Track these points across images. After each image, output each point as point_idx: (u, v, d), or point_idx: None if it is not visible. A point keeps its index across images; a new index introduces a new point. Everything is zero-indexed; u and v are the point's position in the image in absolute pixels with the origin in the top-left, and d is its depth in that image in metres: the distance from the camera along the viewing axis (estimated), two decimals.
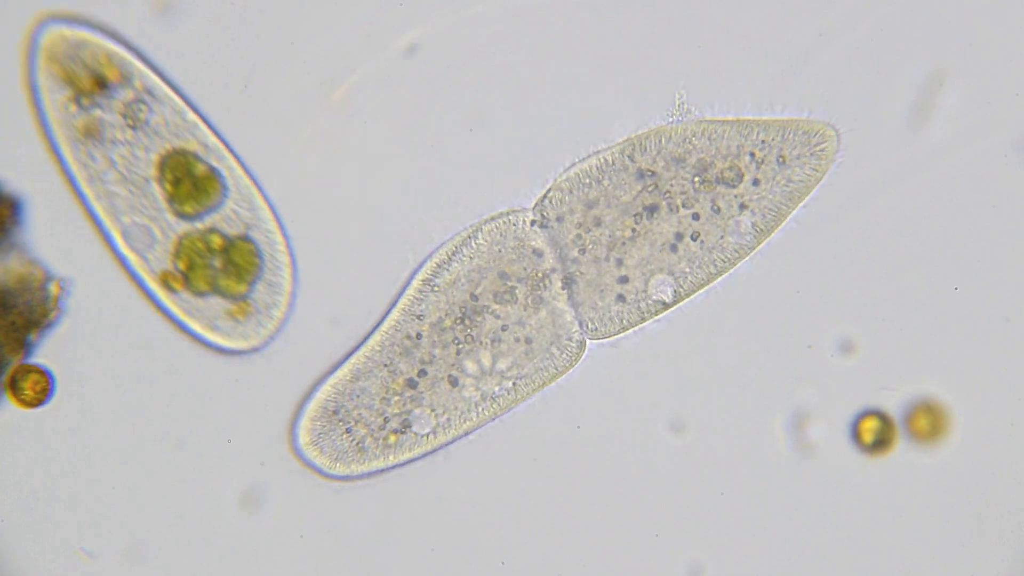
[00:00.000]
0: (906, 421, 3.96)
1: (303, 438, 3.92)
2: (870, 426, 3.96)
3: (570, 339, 3.89)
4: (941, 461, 3.98)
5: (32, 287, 3.87)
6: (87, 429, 3.96)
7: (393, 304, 3.91)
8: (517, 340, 3.87)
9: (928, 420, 3.96)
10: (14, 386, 3.88)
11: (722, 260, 3.87)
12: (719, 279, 3.89)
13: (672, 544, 3.98)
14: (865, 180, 3.93)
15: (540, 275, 3.82)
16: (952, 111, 3.90)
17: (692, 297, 3.90)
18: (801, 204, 3.88)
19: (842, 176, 3.94)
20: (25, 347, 3.88)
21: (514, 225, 3.88)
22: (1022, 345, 3.97)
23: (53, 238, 3.92)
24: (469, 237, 3.88)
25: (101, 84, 3.78)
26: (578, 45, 3.93)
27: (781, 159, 3.84)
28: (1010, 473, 3.96)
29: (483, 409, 3.90)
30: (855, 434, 3.96)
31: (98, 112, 3.85)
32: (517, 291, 3.84)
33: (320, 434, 3.92)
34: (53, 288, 3.89)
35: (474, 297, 3.85)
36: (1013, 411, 3.96)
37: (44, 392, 3.88)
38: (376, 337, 3.90)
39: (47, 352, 3.93)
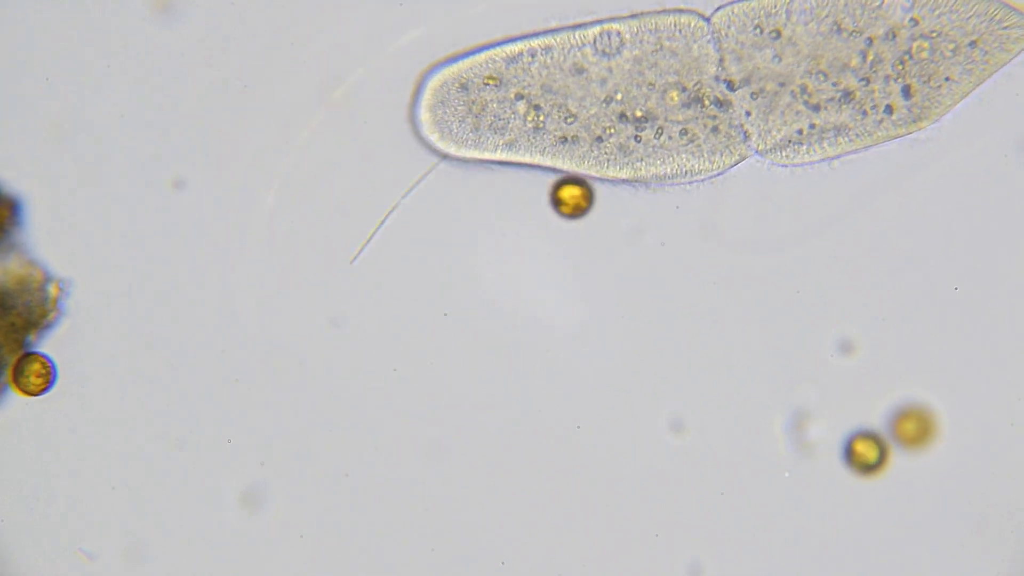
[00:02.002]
0: (893, 426, 3.95)
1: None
2: (863, 449, 3.96)
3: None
4: (941, 462, 3.97)
5: (31, 288, 3.88)
6: (87, 428, 3.96)
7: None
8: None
9: (916, 425, 3.95)
10: (18, 376, 3.89)
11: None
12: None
13: (672, 544, 3.98)
14: (865, 180, 3.92)
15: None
16: None
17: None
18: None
19: (842, 178, 3.93)
20: (24, 348, 3.89)
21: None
22: (1022, 346, 3.97)
23: (52, 238, 3.94)
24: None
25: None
26: None
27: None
28: (1009, 473, 3.96)
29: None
30: (850, 455, 3.96)
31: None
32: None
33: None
34: (52, 289, 3.90)
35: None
36: (1013, 410, 3.96)
37: (48, 377, 3.90)
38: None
39: (46, 352, 3.95)
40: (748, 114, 3.85)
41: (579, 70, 3.87)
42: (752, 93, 3.85)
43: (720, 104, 3.86)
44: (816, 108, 3.86)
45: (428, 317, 3.97)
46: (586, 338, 3.98)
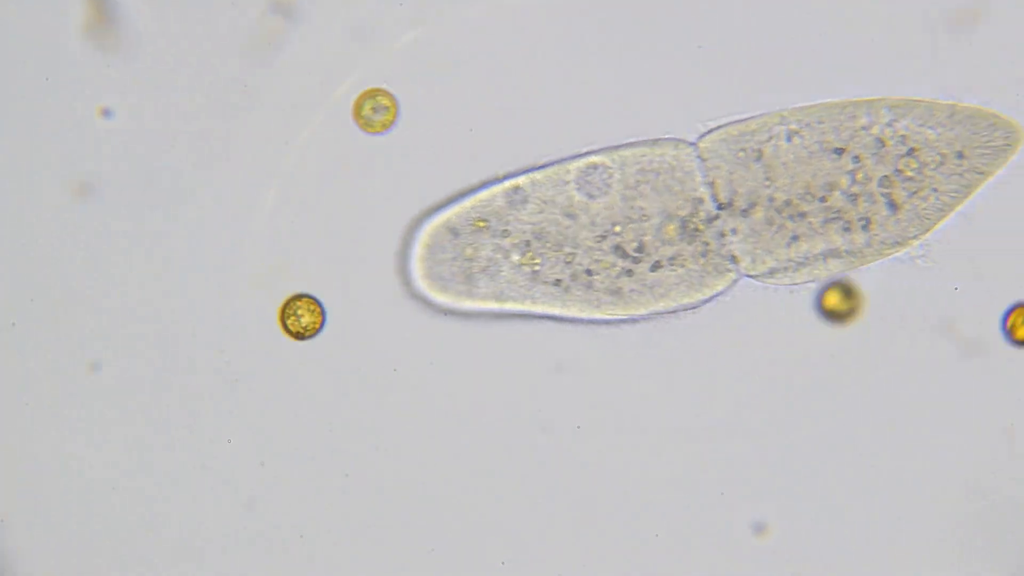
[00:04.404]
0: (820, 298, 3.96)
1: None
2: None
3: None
4: (941, 461, 3.98)
5: None
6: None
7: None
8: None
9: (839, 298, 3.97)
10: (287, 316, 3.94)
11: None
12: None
13: (672, 544, 4.01)
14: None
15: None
16: None
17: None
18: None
19: None
20: None
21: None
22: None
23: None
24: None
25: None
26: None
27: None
28: (1010, 473, 3.97)
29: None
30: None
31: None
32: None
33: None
34: None
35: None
36: (1012, 411, 3.98)
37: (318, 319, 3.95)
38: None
39: None
40: (734, 231, 3.85)
41: (569, 208, 3.87)
42: (742, 212, 3.84)
43: (710, 228, 3.85)
44: (805, 228, 3.86)
45: (428, 317, 3.96)
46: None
